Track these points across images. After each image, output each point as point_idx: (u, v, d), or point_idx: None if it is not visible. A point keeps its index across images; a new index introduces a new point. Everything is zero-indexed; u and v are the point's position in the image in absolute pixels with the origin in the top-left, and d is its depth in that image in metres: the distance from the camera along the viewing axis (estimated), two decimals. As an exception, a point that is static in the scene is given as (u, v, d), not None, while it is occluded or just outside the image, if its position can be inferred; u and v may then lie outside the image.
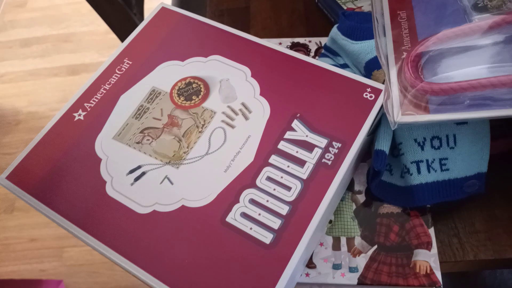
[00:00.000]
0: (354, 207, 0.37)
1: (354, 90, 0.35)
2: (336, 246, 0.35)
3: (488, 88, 0.32)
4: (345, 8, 0.49)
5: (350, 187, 0.38)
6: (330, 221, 0.36)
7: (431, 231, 0.35)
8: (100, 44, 1.62)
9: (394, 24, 0.39)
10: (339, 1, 0.49)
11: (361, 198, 0.37)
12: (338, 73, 0.36)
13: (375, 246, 0.35)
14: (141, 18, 0.87)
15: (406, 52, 0.36)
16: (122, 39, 0.87)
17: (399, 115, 0.33)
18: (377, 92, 0.35)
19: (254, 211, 0.31)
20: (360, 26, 0.41)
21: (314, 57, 0.46)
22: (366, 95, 0.35)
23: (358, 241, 0.35)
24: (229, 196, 0.32)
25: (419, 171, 0.36)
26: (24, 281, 1.12)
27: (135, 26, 0.83)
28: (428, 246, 0.35)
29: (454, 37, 0.36)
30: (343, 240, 0.36)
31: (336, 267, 0.34)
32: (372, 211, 0.37)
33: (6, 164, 1.37)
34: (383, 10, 0.40)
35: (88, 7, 1.73)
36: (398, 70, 0.36)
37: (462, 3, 0.37)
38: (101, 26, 1.67)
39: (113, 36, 1.63)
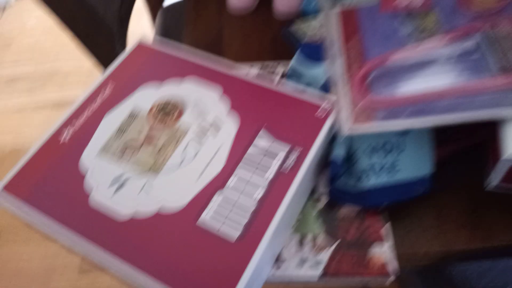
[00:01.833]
0: (318, 207, 0.41)
1: (309, 109, 0.41)
2: (302, 243, 0.39)
3: (425, 100, 0.38)
4: (306, 38, 0.54)
5: (314, 190, 0.42)
6: (297, 220, 0.40)
7: (387, 227, 0.39)
8: (85, 81, 1.67)
9: (345, 49, 0.44)
10: (304, 31, 0.55)
11: (325, 199, 0.41)
12: (294, 97, 0.42)
13: (338, 241, 0.39)
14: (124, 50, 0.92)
15: (355, 73, 0.42)
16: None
17: (348, 126, 0.38)
18: (329, 110, 0.40)
19: (225, 209, 0.35)
20: (314, 54, 0.47)
21: (282, 76, 0.52)
22: (319, 113, 0.40)
23: (322, 237, 0.39)
24: (202, 199, 0.36)
25: (371, 176, 0.40)
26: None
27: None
28: (384, 240, 0.39)
29: (396, 58, 0.41)
30: (309, 237, 0.39)
31: (302, 261, 0.38)
32: (334, 210, 0.41)
33: (-10, 200, 1.38)
34: (335, 38, 0.45)
35: (73, 45, 1.79)
36: (349, 88, 0.41)
37: (402, 32, 0.43)
38: (86, 63, 1.72)
39: (97, 73, 1.68)
